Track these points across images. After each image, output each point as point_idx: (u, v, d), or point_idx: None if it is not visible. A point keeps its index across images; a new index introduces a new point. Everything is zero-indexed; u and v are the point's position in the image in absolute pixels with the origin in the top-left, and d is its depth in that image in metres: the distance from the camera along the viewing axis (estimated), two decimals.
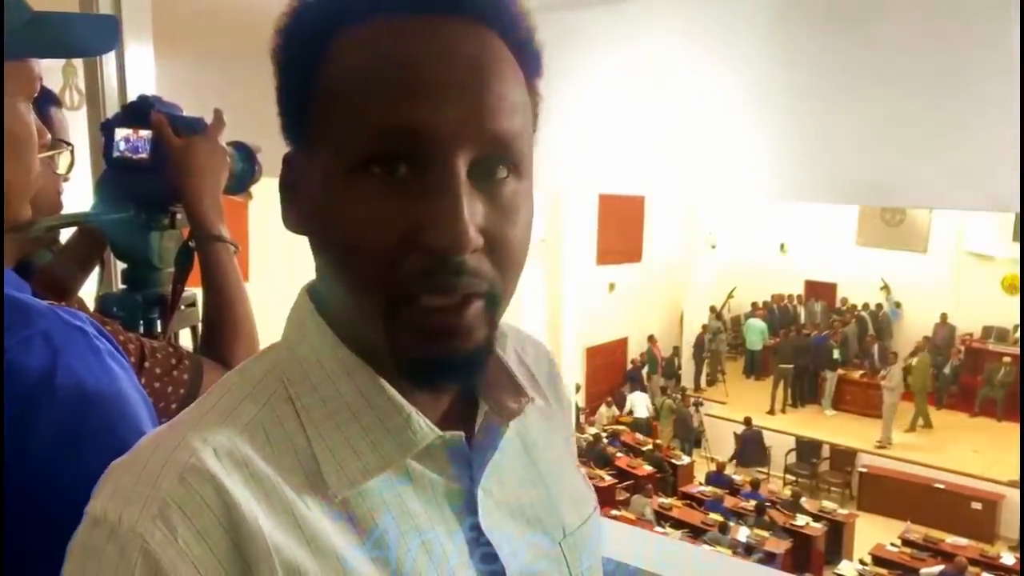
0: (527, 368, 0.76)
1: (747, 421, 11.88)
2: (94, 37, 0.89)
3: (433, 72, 0.52)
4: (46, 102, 1.30)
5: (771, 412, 13.13)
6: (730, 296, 15.47)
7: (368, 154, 0.53)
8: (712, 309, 15.02)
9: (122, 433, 0.74)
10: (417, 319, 0.54)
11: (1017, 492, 10.04)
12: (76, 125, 1.58)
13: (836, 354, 13.23)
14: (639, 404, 12.69)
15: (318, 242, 0.58)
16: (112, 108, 1.67)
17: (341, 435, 0.57)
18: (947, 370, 12.82)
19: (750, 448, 11.75)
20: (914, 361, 12.72)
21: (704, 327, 14.58)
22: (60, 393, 0.70)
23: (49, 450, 0.69)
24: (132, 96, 1.66)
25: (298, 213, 0.60)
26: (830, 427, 12.45)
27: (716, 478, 10.44)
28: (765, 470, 11.81)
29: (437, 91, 0.52)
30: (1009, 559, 8.52)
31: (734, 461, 11.78)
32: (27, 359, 0.69)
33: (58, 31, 0.83)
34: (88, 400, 0.72)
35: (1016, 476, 10.06)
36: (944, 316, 13.95)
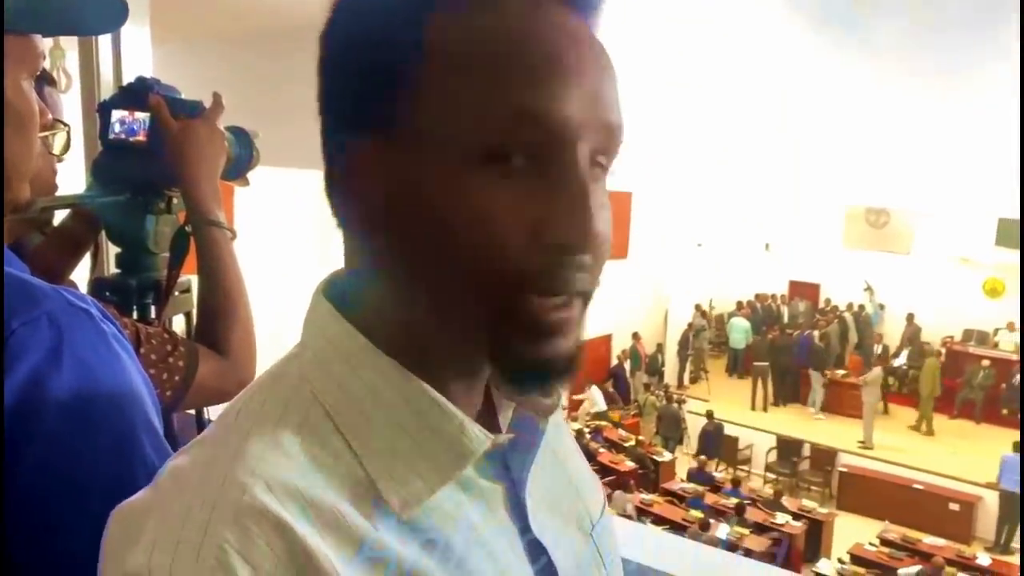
0: None
1: (708, 414, 12.02)
2: (101, 15, 0.87)
3: (570, 58, 0.49)
4: (41, 81, 1.28)
5: (752, 408, 13.26)
6: (711, 308, 15.62)
7: (495, 143, 0.48)
8: (698, 307, 15.10)
9: (129, 416, 0.73)
10: (530, 319, 0.50)
11: (993, 493, 10.16)
12: (65, 107, 1.56)
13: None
14: (598, 399, 12.70)
15: (401, 242, 0.52)
16: (107, 90, 1.65)
17: (392, 451, 0.52)
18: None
19: (711, 441, 11.89)
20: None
21: (689, 325, 14.65)
22: (67, 375, 0.68)
23: (58, 431, 0.67)
24: (127, 78, 1.64)
25: (368, 210, 0.53)
26: (811, 426, 12.53)
27: (698, 475, 10.49)
28: (745, 468, 11.89)
29: (574, 76, 0.49)
30: (985, 559, 8.62)
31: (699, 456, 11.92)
32: (33, 340, 0.67)
33: (65, 8, 0.81)
34: (96, 382, 0.71)
35: (992, 478, 10.18)
36: (911, 316, 14.14)
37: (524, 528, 0.58)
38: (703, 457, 11.19)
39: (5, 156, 0.75)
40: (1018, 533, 9.95)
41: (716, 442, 11.90)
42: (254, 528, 0.45)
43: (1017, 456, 9.93)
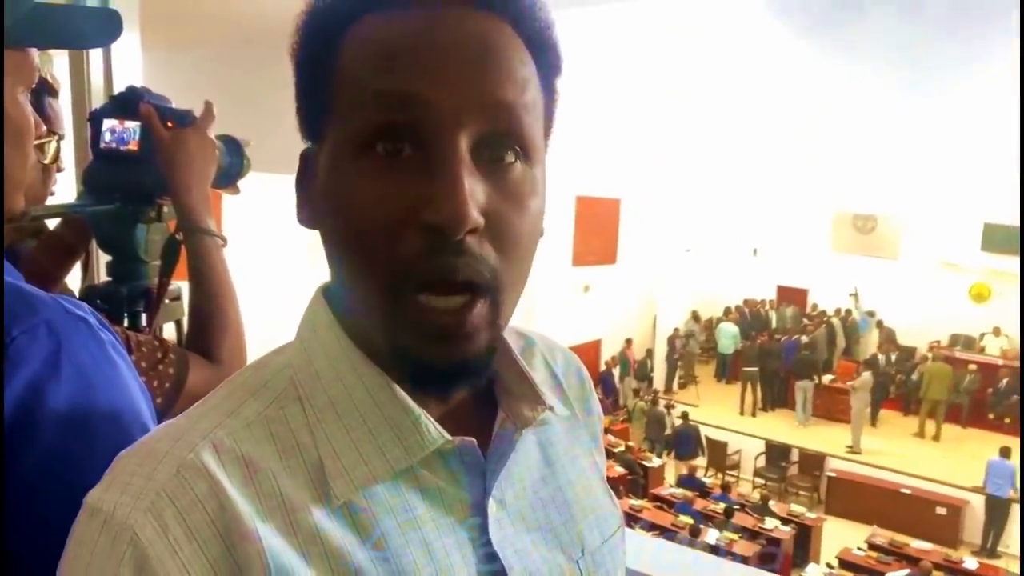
0: (557, 378, 0.75)
1: (684, 416, 12.09)
2: (95, 30, 0.88)
3: (434, 44, 0.52)
4: (42, 93, 1.28)
5: (741, 414, 13.32)
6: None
7: (371, 128, 0.52)
8: (694, 314, 15.19)
9: (125, 420, 0.74)
10: (419, 319, 0.52)
11: (980, 498, 10.23)
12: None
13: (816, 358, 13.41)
14: None
15: (327, 234, 0.57)
16: (97, 97, 1.65)
17: (348, 438, 0.56)
18: (915, 376, 12.97)
19: (685, 442, 11.91)
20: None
21: (676, 330, 14.69)
22: (66, 383, 0.69)
23: (57, 439, 0.68)
24: (117, 86, 1.65)
25: (311, 207, 0.59)
26: (800, 432, 12.58)
27: (688, 481, 10.51)
28: (734, 473, 11.93)
29: (436, 60, 0.52)
30: (972, 563, 8.66)
31: (672, 455, 11.95)
32: (32, 348, 0.68)
33: (60, 22, 0.82)
34: (94, 390, 0.71)
35: (979, 482, 10.25)
36: (880, 322, 14.35)
37: (486, 537, 0.59)
38: (692, 464, 11.19)
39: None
40: (1004, 537, 10.03)
41: (691, 444, 11.91)
42: (191, 482, 0.51)
43: (1003, 460, 10.00)
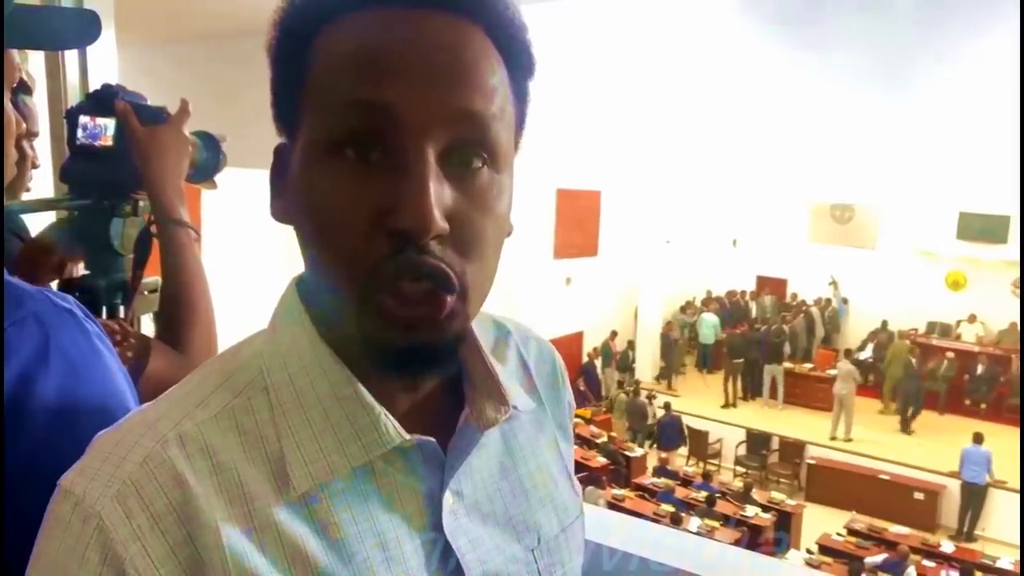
0: (528, 369, 0.76)
1: (667, 406, 12.19)
2: (74, 31, 0.90)
3: (405, 53, 0.53)
4: (16, 90, 1.29)
5: (725, 406, 13.38)
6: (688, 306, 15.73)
7: (341, 133, 0.53)
8: (683, 308, 15.26)
9: (112, 409, 0.76)
10: (389, 307, 0.53)
11: (957, 482, 10.36)
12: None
13: (787, 347, 13.49)
14: None
15: (300, 230, 0.58)
16: (72, 93, 1.66)
17: (310, 430, 0.57)
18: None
19: (669, 432, 12.00)
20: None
21: (669, 323, 14.73)
22: (54, 373, 0.71)
23: (45, 426, 0.70)
24: (93, 82, 1.66)
25: (283, 202, 0.60)
26: (779, 420, 12.68)
27: (662, 471, 10.57)
28: (716, 462, 12.02)
29: (407, 71, 0.52)
30: (949, 547, 8.79)
31: (655, 446, 11.99)
32: (22, 339, 0.70)
33: (40, 23, 0.84)
34: (81, 380, 0.73)
35: (955, 467, 10.38)
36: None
37: (440, 528, 0.60)
38: (664, 455, 11.24)
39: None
40: (980, 521, 10.18)
41: (674, 434, 11.99)
42: (155, 473, 0.53)
43: (976, 447, 10.13)
